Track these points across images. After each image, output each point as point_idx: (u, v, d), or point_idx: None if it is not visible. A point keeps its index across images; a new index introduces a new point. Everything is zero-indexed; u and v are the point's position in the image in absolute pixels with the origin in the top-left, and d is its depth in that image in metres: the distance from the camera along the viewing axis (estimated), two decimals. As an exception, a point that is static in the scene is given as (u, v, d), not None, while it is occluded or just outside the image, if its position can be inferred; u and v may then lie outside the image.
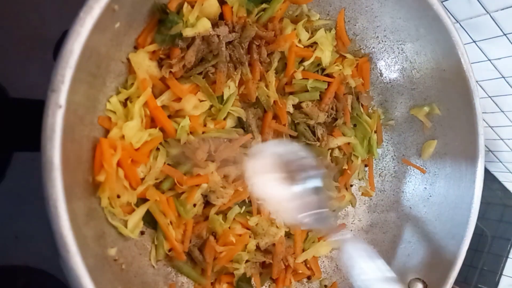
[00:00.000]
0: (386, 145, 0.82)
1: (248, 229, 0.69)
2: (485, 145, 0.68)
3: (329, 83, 0.73)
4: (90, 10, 0.43)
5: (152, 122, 0.60)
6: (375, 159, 0.82)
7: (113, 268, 0.52)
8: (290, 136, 0.72)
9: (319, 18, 0.72)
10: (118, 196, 0.56)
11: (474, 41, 0.84)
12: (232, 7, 0.63)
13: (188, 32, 0.58)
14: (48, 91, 0.41)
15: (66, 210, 0.40)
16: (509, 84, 0.88)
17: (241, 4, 0.64)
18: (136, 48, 0.58)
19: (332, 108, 0.74)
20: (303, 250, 0.73)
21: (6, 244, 0.68)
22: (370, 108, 0.81)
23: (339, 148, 0.77)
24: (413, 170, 0.78)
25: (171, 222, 0.62)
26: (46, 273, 0.68)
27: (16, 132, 0.69)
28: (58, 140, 0.40)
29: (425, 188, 0.76)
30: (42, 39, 0.68)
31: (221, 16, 0.63)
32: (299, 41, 0.70)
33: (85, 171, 0.50)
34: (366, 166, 0.82)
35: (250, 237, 0.69)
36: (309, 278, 0.75)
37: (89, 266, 0.42)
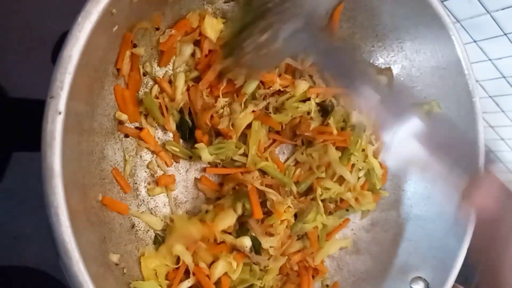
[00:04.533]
0: (387, 144, 0.81)
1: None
2: (486, 145, 0.68)
3: None
4: (88, 15, 0.42)
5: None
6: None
7: (114, 273, 0.52)
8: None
9: None
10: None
11: (475, 41, 0.83)
12: None
13: None
14: (47, 97, 0.40)
15: (68, 217, 0.40)
16: (509, 84, 0.87)
17: None
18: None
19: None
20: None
21: (5, 245, 0.68)
22: (370, 107, 0.80)
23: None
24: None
25: None
26: (45, 273, 0.68)
27: (15, 132, 0.69)
28: (58, 147, 0.40)
29: (426, 186, 0.76)
30: (41, 39, 0.68)
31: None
32: None
33: (85, 176, 0.50)
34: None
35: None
36: (312, 277, 0.74)
37: (91, 272, 0.42)
